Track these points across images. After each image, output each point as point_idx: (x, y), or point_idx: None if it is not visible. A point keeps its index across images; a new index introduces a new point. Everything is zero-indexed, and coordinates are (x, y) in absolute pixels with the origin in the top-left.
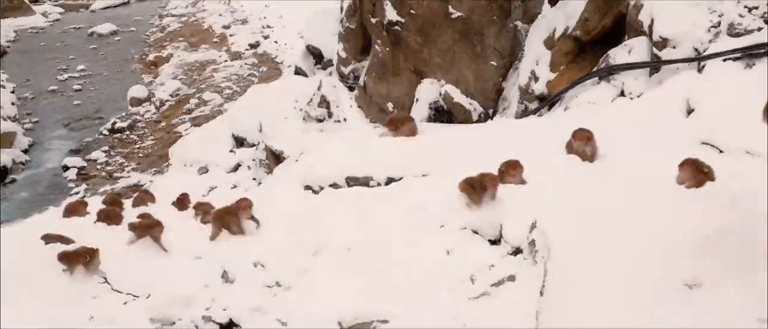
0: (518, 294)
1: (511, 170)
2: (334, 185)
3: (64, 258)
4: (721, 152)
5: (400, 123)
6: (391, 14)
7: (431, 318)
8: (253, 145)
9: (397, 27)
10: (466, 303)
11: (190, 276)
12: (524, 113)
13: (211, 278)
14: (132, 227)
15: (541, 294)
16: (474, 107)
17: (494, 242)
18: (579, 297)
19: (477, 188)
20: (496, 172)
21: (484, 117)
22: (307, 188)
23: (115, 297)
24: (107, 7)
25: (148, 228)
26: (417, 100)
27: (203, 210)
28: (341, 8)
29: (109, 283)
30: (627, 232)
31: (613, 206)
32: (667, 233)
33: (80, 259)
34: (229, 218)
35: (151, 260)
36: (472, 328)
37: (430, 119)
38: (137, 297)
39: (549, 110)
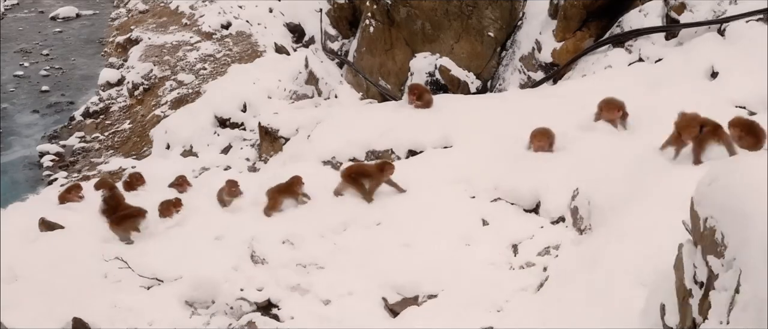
0: (564, 265)
1: (543, 138)
2: (354, 160)
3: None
4: (752, 114)
5: (421, 93)
6: None
7: (476, 291)
8: (237, 125)
9: (388, 0)
10: (510, 274)
11: (218, 257)
12: (529, 83)
13: (240, 258)
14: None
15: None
16: (471, 79)
17: (531, 211)
18: None
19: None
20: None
21: (482, 89)
22: (326, 163)
23: (138, 281)
24: None
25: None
26: (411, 73)
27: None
28: None
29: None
30: None
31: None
32: None
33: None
34: (288, 194)
35: (171, 242)
36: (519, 299)
37: None
38: (162, 281)
39: (558, 78)
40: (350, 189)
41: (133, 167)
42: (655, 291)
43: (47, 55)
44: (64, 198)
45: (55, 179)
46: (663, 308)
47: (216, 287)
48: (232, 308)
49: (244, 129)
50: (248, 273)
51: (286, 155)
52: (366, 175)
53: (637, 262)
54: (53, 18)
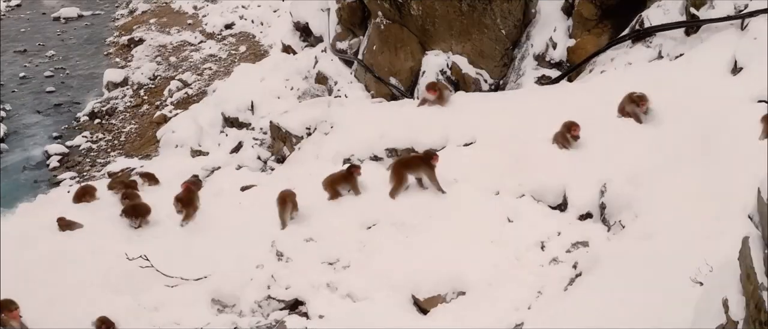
0: (596, 261)
1: (570, 131)
2: (375, 158)
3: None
4: None
5: (440, 90)
6: None
7: (504, 288)
8: (245, 125)
9: None
10: (538, 271)
11: (242, 256)
12: (543, 81)
13: (265, 257)
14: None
15: None
16: (483, 77)
17: (557, 208)
18: None
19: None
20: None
21: (495, 87)
22: (346, 161)
23: (162, 280)
24: None
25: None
26: (423, 72)
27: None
28: None
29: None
30: None
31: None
32: None
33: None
34: (346, 181)
35: (194, 241)
36: (549, 295)
37: None
38: (187, 280)
39: (575, 76)
40: (405, 180)
41: (141, 167)
42: (715, 286)
43: (51, 56)
44: (79, 198)
45: (63, 180)
46: (726, 302)
47: (242, 285)
48: (260, 306)
49: (253, 129)
50: (274, 272)
51: (301, 154)
52: (414, 166)
53: (681, 257)
54: (55, 19)
